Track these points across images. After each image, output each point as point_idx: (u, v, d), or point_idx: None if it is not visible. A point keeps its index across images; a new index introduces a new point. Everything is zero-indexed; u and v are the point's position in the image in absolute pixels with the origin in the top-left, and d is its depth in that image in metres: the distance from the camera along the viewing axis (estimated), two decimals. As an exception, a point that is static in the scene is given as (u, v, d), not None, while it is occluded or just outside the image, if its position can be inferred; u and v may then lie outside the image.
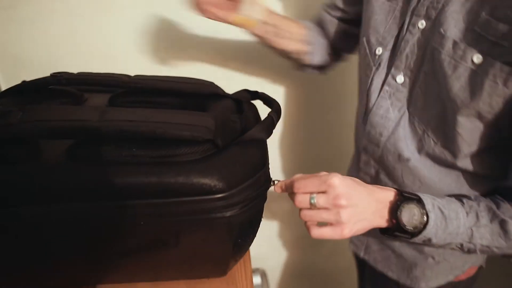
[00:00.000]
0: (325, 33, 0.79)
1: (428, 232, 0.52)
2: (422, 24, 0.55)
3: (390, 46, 0.61)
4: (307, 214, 0.50)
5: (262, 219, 0.55)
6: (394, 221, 0.52)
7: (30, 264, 0.50)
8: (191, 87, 0.57)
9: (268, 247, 1.32)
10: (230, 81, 0.79)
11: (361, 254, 0.80)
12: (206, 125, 0.46)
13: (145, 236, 0.47)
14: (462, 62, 0.50)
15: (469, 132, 0.54)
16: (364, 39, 0.66)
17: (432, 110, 0.57)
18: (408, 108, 0.60)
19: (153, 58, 0.91)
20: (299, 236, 1.32)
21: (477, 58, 0.49)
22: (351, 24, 0.76)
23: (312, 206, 0.49)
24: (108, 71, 0.58)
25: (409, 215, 0.52)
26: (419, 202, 0.52)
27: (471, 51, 0.49)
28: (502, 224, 0.52)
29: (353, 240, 0.83)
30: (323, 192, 0.49)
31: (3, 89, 0.59)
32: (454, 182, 0.61)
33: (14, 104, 0.54)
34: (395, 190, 0.54)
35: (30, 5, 0.82)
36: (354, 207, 0.50)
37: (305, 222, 0.52)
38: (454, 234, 0.53)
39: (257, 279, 1.23)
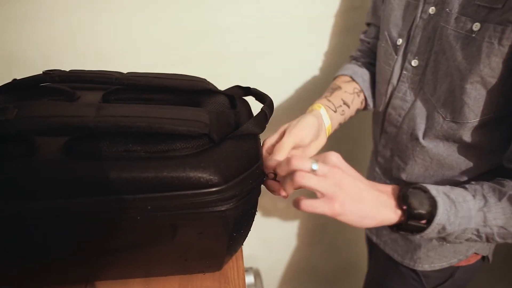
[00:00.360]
0: (367, 62, 0.84)
1: (440, 218, 0.52)
2: (432, 10, 0.63)
3: (406, 35, 0.68)
4: (305, 176, 0.48)
5: (256, 214, 0.55)
6: (404, 207, 0.52)
7: (24, 260, 0.50)
8: (184, 84, 0.57)
9: (262, 247, 1.33)
10: (224, 79, 0.80)
11: (374, 239, 0.84)
12: (201, 119, 0.46)
13: (141, 231, 0.48)
14: (463, 32, 0.57)
15: (475, 100, 0.58)
16: (386, 33, 0.73)
17: (442, 86, 0.62)
18: (422, 89, 0.66)
19: (147, 57, 0.91)
20: (294, 236, 1.33)
21: (476, 26, 0.55)
22: None
23: (311, 172, 0.48)
24: (102, 69, 0.59)
25: (418, 199, 0.52)
26: (423, 189, 0.54)
27: (471, 21, 0.56)
28: (511, 199, 0.52)
29: None
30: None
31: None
32: (462, 156, 0.65)
33: (6, 102, 0.54)
34: (394, 185, 0.56)
35: (24, 3, 0.81)
36: (351, 180, 0.50)
37: (294, 201, 0.50)
38: (467, 218, 0.52)
39: (250, 278, 1.23)
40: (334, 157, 0.51)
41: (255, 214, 0.54)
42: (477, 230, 0.53)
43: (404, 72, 0.69)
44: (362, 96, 0.81)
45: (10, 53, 0.87)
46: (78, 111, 0.44)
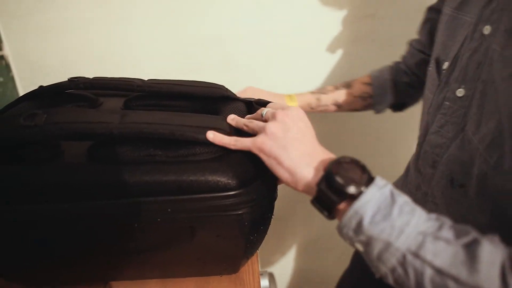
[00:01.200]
0: (399, 74, 0.80)
1: (362, 204, 0.39)
2: (487, 29, 0.51)
3: (452, 58, 0.57)
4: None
5: (272, 218, 0.56)
6: (324, 171, 0.42)
7: (44, 261, 0.52)
8: (202, 91, 0.59)
9: (277, 252, 1.33)
10: (241, 84, 0.81)
11: None
12: (221, 127, 0.48)
13: (161, 233, 0.49)
14: None
15: None
16: (433, 58, 0.63)
17: (488, 123, 0.49)
18: (465, 125, 0.54)
19: (166, 64, 0.93)
20: (308, 241, 1.33)
21: None
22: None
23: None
24: (118, 75, 0.61)
25: (345, 171, 0.41)
26: (363, 167, 0.42)
27: None
28: (473, 245, 0.37)
29: None
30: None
31: (21, 94, 0.61)
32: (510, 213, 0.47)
33: (33, 108, 0.56)
34: None
35: (46, 14, 0.85)
36: (289, 130, 0.46)
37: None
38: (397, 231, 0.38)
39: (265, 282, 1.24)
40: (294, 110, 0.48)
41: (271, 218, 0.55)
42: (404, 257, 0.38)
43: (446, 102, 0.57)
44: (369, 101, 0.79)
45: (33, 61, 0.90)
46: (103, 118, 0.46)
